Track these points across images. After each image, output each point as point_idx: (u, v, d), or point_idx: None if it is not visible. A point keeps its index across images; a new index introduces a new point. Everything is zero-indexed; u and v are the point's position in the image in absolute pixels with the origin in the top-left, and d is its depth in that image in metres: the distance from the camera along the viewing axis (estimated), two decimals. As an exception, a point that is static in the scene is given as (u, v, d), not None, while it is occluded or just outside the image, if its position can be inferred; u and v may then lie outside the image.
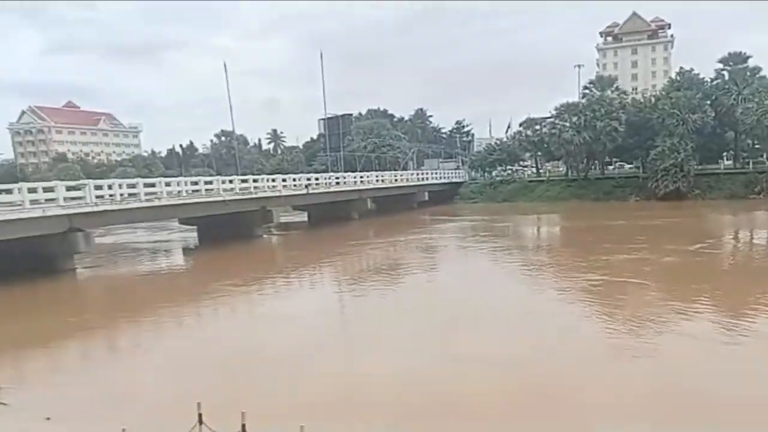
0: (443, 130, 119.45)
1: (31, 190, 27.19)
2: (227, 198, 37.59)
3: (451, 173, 76.62)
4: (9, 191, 26.94)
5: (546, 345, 14.10)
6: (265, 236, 41.66)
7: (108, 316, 20.01)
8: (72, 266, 27.81)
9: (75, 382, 13.09)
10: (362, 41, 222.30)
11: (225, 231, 37.80)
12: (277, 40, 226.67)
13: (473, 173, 78.21)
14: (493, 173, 75.43)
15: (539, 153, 73.71)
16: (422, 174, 70.07)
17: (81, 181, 33.69)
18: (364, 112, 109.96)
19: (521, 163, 79.46)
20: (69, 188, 29.46)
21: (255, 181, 42.97)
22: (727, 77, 61.60)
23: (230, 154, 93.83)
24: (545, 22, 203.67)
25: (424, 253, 32.65)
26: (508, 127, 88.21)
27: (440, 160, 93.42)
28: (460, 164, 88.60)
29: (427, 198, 65.01)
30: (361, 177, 56.89)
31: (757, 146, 64.16)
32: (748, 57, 62.00)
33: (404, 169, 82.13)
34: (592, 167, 69.74)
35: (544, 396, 10.87)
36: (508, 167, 77.11)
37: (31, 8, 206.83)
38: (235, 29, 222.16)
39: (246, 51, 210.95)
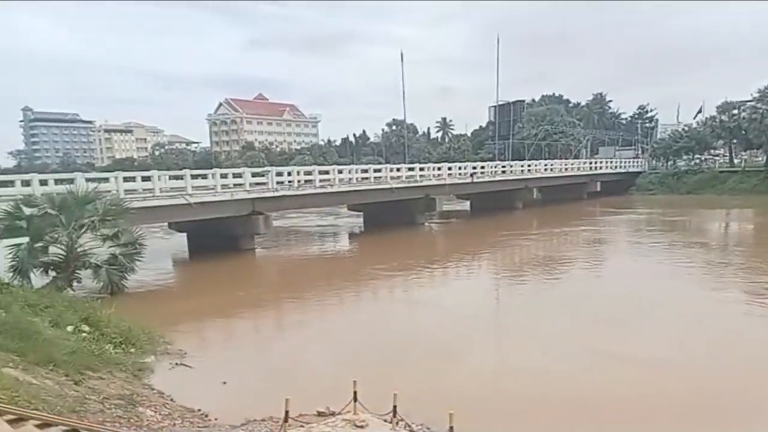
0: (623, 116, 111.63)
1: (223, 176, 30.31)
2: (394, 186, 38.82)
3: (628, 162, 71.46)
4: (204, 176, 30.34)
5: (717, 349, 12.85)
6: (426, 224, 42.38)
7: (279, 294, 21.79)
8: (252, 246, 30.64)
9: (247, 353, 14.49)
10: (539, 25, 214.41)
11: (389, 217, 39.18)
12: (452, 27, 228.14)
13: (654, 162, 72.28)
14: (678, 162, 68.98)
15: (734, 141, 65.97)
16: (595, 163, 66.25)
17: (264, 168, 36.89)
18: (537, 99, 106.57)
19: (712, 151, 71.70)
20: (254, 174, 32.45)
21: (421, 169, 43.83)
22: None
23: (400, 142, 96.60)
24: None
25: (588, 247, 30.97)
26: (699, 111, 79.79)
27: (617, 148, 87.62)
28: (640, 152, 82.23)
29: (599, 188, 61.34)
30: (528, 165, 55.49)
31: None
32: None
33: (576, 157, 78.50)
34: (800, 157, 60.87)
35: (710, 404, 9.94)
36: (696, 156, 69.96)
37: (226, 6, 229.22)
38: (412, 18, 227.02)
39: (421, 39, 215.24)
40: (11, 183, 22.92)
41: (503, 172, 51.71)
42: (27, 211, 18.84)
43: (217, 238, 29.33)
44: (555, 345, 13.65)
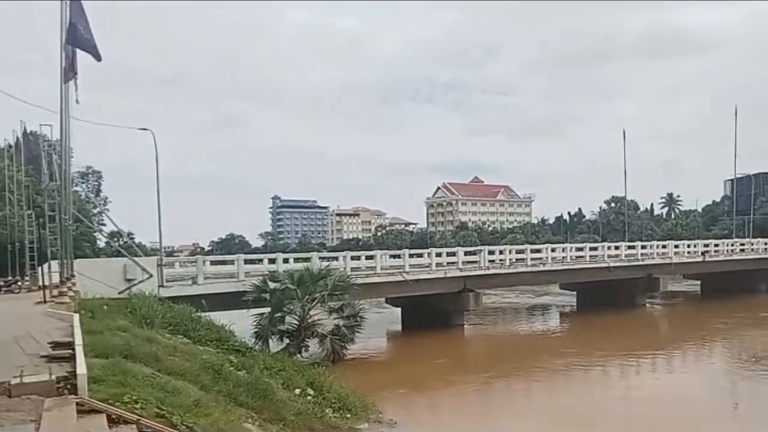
0: None
1: (438, 255, 31.88)
2: (611, 264, 36.96)
3: None
4: (420, 255, 32.19)
5: None
6: (648, 305, 39.12)
7: (484, 370, 21.99)
8: (461, 322, 31.27)
9: (453, 426, 14.89)
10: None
11: (605, 297, 37.01)
12: (679, 101, 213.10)
13: None
14: None
15: None
16: None
17: (477, 247, 37.89)
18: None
19: None
20: (467, 253, 33.55)
21: (643, 247, 41.18)
22: None
23: (618, 219, 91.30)
24: None
25: None
26: None
27: None
28: None
29: None
30: (774, 243, 48.55)
31: None
32: None
33: None
34: None
35: None
36: None
37: (455, 100, 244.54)
38: (634, 96, 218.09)
39: (644, 116, 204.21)
40: (260, 261, 26.86)
41: (742, 250, 46.05)
42: (271, 285, 21.91)
43: (429, 314, 30.58)
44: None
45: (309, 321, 22.06)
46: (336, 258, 29.03)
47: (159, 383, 9.07)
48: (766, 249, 46.88)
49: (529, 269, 34.34)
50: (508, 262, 34.03)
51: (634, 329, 31.98)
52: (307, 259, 26.02)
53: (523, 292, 48.26)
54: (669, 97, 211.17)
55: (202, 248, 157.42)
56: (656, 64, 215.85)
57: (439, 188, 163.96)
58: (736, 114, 58.96)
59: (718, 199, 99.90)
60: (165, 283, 22.16)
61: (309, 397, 13.76)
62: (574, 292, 41.31)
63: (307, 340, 22.09)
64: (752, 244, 47.41)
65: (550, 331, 32.98)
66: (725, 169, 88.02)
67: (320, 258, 27.02)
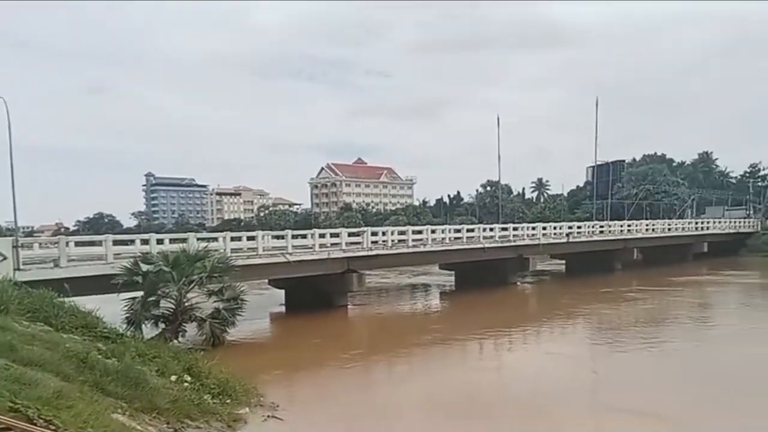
0: (732, 175, 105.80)
1: (321, 236, 31.71)
2: (486, 245, 38.79)
3: (739, 222, 66.98)
4: (304, 236, 31.88)
5: None
6: (519, 283, 41.76)
7: (367, 350, 22.35)
8: (345, 303, 31.54)
9: (336, 408, 15.00)
10: (642, 87, 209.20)
11: (481, 276, 38.99)
12: (550, 90, 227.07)
13: (767, 222, 67.25)
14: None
15: None
16: (702, 223, 62.65)
17: (360, 228, 38.15)
18: (638, 158, 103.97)
19: None
20: (350, 234, 33.66)
21: (515, 229, 43.53)
22: None
23: (493, 203, 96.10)
24: None
25: (695, 312, 29.26)
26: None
27: (726, 207, 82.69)
28: (751, 212, 77.04)
29: (706, 249, 57.66)
30: (628, 225, 53.49)
31: None
32: None
33: (680, 217, 74.71)
34: None
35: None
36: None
37: (338, 80, 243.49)
38: (509, 83, 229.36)
39: (518, 102, 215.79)
40: (132, 242, 25.26)
41: (601, 231, 50.14)
42: (144, 267, 20.70)
43: (313, 295, 30.50)
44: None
45: (186, 305, 21.14)
46: (215, 239, 27.96)
47: (13, 375, 8.33)
48: (621, 231, 51.51)
49: (411, 250, 35.16)
50: (390, 243, 34.61)
51: (506, 306, 33.97)
52: (183, 240, 24.82)
53: (404, 273, 49.52)
54: (539, 86, 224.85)
55: (67, 228, 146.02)
56: (526, 54, 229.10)
57: (323, 168, 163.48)
58: (597, 105, 63.88)
59: (581, 185, 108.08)
60: (22, 267, 20.19)
61: (186, 384, 13.26)
62: (453, 272, 43.05)
63: (184, 324, 21.20)
64: (609, 227, 51.83)
65: (431, 310, 34.18)
66: (590, 156, 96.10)
67: (198, 239, 25.86)
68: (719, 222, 64.95)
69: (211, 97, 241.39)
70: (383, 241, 34.40)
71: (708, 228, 60.93)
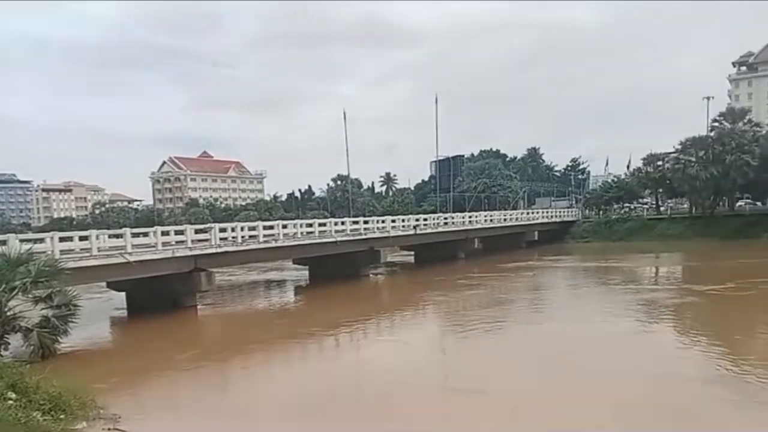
0: (556, 169, 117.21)
1: (164, 233, 29.89)
2: (338, 239, 39.14)
3: (563, 212, 74.33)
4: (146, 234, 29.83)
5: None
6: (371, 275, 42.79)
7: (218, 353, 21.45)
8: (194, 303, 30.11)
9: (184, 416, 14.29)
10: (478, 85, 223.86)
11: (334, 270, 39.28)
12: (395, 87, 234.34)
13: (587, 212, 75.43)
14: (609, 211, 72.29)
15: (660, 190, 69.89)
16: (532, 213, 68.70)
17: (207, 225, 36.58)
18: (476, 153, 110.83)
19: (640, 200, 75.67)
20: (197, 231, 32.11)
21: (365, 222, 44.40)
22: None
23: (344, 197, 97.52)
24: (666, 56, 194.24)
25: (527, 294, 32.07)
26: (629, 164, 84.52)
27: (552, 198, 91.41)
28: (574, 202, 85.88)
29: (536, 237, 63.51)
30: (470, 217, 57.00)
31: None
32: None
33: (514, 208, 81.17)
34: (720, 204, 64.81)
35: None
36: (625, 205, 73.63)
37: (180, 71, 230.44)
38: (355, 79, 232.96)
39: (365, 98, 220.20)
40: (-64, 246, 21.96)
41: (445, 223, 52.87)
42: (-46, 274, 18.13)
43: (158, 296, 28.62)
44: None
45: (9, 314, 18.86)
46: (42, 239, 25.19)
47: None
48: (463, 222, 54.75)
49: (262, 246, 34.43)
50: (240, 240, 33.60)
51: (360, 298, 34.70)
52: (2, 242, 22.07)
53: (257, 270, 48.47)
54: (385, 83, 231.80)
55: None
56: (372, 52, 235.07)
57: (165, 162, 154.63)
58: (436, 102, 67.47)
59: (426, 179, 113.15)
60: None
61: (10, 402, 11.86)
62: (307, 267, 42.92)
63: (7, 336, 18.89)
64: (453, 219, 54.88)
65: (286, 306, 33.77)
66: (434, 151, 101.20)
67: (21, 240, 23.13)
68: (547, 212, 71.59)
69: (40, 86, 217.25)
70: (233, 237, 33.29)
71: (537, 218, 66.94)
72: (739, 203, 67.52)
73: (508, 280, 38.02)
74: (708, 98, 77.04)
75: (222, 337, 25.75)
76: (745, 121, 63.41)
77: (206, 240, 31.35)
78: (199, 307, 30.25)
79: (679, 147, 63.69)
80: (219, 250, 31.20)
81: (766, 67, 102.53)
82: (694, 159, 61.09)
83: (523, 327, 23.32)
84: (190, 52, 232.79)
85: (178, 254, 28.79)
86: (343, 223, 42.53)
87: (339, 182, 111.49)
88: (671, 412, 12.36)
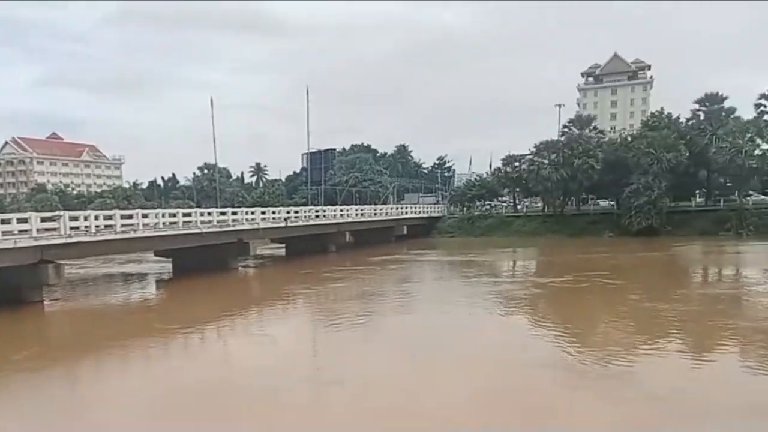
0: (424, 166, 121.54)
1: (5, 222, 26.94)
2: (204, 230, 37.60)
3: (431, 208, 77.28)
4: (-18, 222, 26.63)
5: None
6: (240, 268, 41.67)
7: (64, 355, 19.77)
8: (40, 298, 27.48)
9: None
10: (351, 80, 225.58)
11: (200, 262, 37.72)
12: (265, 76, 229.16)
13: (452, 208, 78.96)
14: (472, 208, 76.25)
15: (517, 189, 74.85)
16: (402, 208, 70.69)
17: (55, 213, 33.42)
18: (347, 147, 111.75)
19: (500, 198, 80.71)
20: (43, 219, 29.24)
21: (234, 213, 43.04)
22: (702, 117, 63.47)
23: (212, 186, 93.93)
24: (529, 63, 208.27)
25: (394, 286, 32.81)
26: (490, 164, 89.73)
27: (420, 194, 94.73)
28: (440, 199, 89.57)
29: (405, 232, 65.51)
30: (341, 210, 57.34)
31: (728, 185, 65.62)
32: (725, 98, 63.78)
33: (384, 203, 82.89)
34: (569, 203, 70.84)
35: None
36: (487, 203, 78.17)
37: (24, 45, 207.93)
38: (224, 66, 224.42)
39: (234, 85, 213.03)
40: None
41: (317, 216, 52.80)
42: None
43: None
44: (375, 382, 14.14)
45: None
46: None
47: None
48: (335, 215, 54.96)
49: (120, 236, 32.17)
50: (94, 229, 31.12)
51: (228, 291, 33.65)
52: None
53: (113, 262, 45.29)
54: (256, 71, 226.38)
55: None
56: (245, 38, 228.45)
57: (7, 143, 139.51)
58: (307, 93, 67.11)
59: (298, 171, 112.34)
60: None
61: None
62: (170, 259, 40.78)
63: None
64: (324, 212, 54.91)
65: (146, 300, 31.73)
66: (305, 143, 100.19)
67: None
68: (415, 207, 73.99)
69: None
70: (86, 226, 30.76)
71: (407, 213, 68.97)
72: (591, 201, 73.80)
73: (377, 272, 38.71)
74: (559, 105, 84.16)
75: (70, 334, 23.67)
76: (591, 128, 69.61)
77: (55, 229, 28.68)
78: (46, 302, 27.64)
79: (534, 150, 68.63)
80: (69, 240, 28.72)
81: (610, 78, 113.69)
82: (546, 161, 66.10)
83: (388, 318, 23.87)
84: (36, 24, 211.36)
85: (21, 245, 26.11)
86: (210, 213, 40.98)
87: (206, 171, 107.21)
88: (517, 394, 13.30)
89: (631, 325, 20.71)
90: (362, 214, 59.79)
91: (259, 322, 24.41)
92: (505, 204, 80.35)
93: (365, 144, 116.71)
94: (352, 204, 69.10)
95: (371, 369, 15.84)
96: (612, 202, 67.55)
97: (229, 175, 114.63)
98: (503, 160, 74.31)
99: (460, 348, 17.78)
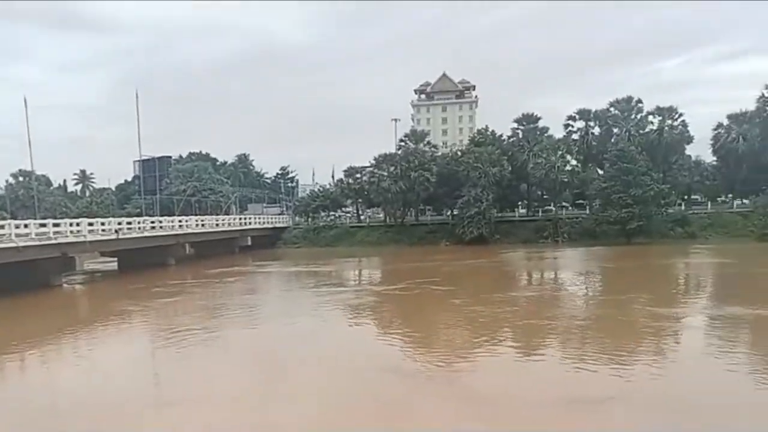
0: (267, 176, 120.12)
1: None
2: (21, 244, 33.95)
3: (275, 218, 76.74)
4: None
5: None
6: (66, 285, 38.12)
7: None
8: None
9: None
10: (187, 85, 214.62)
11: (15, 279, 33.87)
12: (93, 77, 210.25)
13: (297, 219, 79.07)
14: (317, 219, 76.96)
15: (360, 200, 76.96)
16: (245, 219, 69.28)
17: None
18: (184, 155, 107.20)
19: (344, 209, 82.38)
20: None
21: (56, 225, 39.27)
22: (521, 135, 70.28)
23: (29, 195, 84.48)
24: (365, 75, 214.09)
25: (237, 299, 31.86)
26: (333, 175, 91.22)
27: (264, 205, 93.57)
28: (285, 210, 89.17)
29: (249, 243, 64.35)
30: (180, 221, 54.79)
31: (545, 197, 73.39)
32: (539, 118, 71.28)
33: (227, 213, 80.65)
34: (408, 214, 74.31)
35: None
36: (331, 213, 79.42)
37: None
38: (41, 64, 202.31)
39: (56, 85, 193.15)
40: None
41: (153, 227, 49.99)
42: None
43: None
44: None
45: None
46: None
47: None
48: (173, 226, 52.38)
49: None
50: None
51: (51, 311, 30.54)
52: None
53: None
54: (82, 71, 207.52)
55: None
56: (67, 36, 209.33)
57: None
58: (137, 97, 63.06)
59: (130, 179, 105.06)
60: None
61: None
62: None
63: None
64: (161, 222, 52.13)
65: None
66: (136, 149, 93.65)
67: None
68: (260, 218, 72.96)
69: None
70: None
71: (250, 224, 67.79)
72: (427, 212, 77.77)
73: (218, 285, 37.52)
74: (395, 120, 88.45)
75: None
76: (425, 142, 73.83)
77: None
78: None
79: (374, 162, 71.22)
80: None
81: (441, 96, 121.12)
82: (386, 174, 68.96)
83: (230, 333, 23.13)
84: None
85: None
86: (26, 225, 37.08)
87: (21, 178, 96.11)
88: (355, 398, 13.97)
89: (455, 328, 22.37)
90: (203, 225, 57.76)
91: (89, 343, 22.56)
92: (349, 215, 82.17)
93: (204, 152, 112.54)
94: (191, 214, 66.24)
95: (214, 386, 15.44)
96: (447, 213, 71.97)
97: (49, 183, 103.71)
98: (345, 171, 76.00)
99: (307, 359, 18.00)
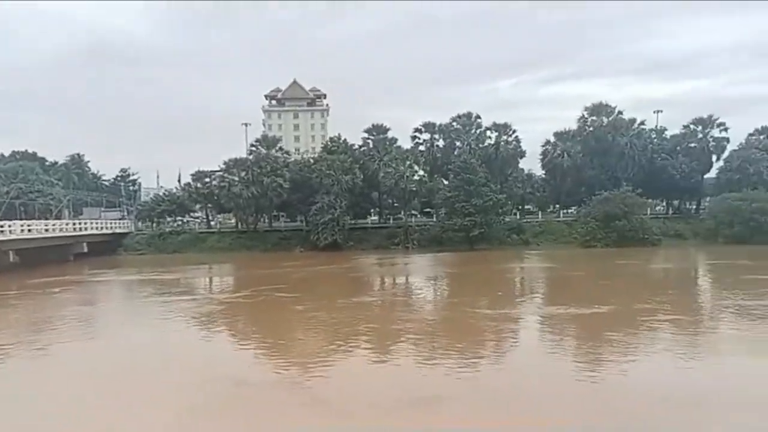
0: (105, 178, 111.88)
1: None
2: None
3: (115, 223, 71.68)
4: None
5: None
6: None
7: None
8: None
9: None
10: (11, 80, 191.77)
11: None
12: None
13: (140, 224, 74.53)
14: (163, 224, 73.10)
15: (210, 205, 74.47)
16: (80, 224, 63.72)
17: None
18: (7, 154, 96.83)
19: (192, 214, 79.09)
20: None
21: None
22: (371, 145, 72.39)
23: None
24: (212, 78, 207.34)
25: (77, 311, 29.30)
26: (179, 179, 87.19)
27: (102, 209, 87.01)
28: (126, 214, 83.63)
29: (86, 249, 59.25)
30: (2, 226, 49.05)
31: (396, 205, 76.28)
32: (388, 129, 73.71)
33: (58, 217, 73.84)
34: (261, 220, 73.30)
35: None
36: (179, 218, 75.91)
37: None
38: None
39: None
40: None
41: None
42: None
43: None
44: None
45: None
46: None
47: None
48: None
49: None
50: None
51: None
52: None
53: None
54: None
55: None
56: None
57: None
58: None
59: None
60: None
61: None
62: None
63: None
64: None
65: None
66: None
67: None
68: (97, 223, 67.63)
69: None
70: None
71: (86, 229, 62.55)
72: (281, 218, 76.93)
73: (55, 296, 34.36)
74: (246, 124, 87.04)
75: None
76: (277, 148, 73.32)
77: None
78: None
79: (224, 166, 69.39)
80: None
81: (292, 103, 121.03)
82: (237, 178, 67.52)
83: (57, 347, 21.42)
84: None
85: None
86: None
87: None
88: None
89: (294, 334, 22.90)
90: (30, 230, 52.30)
91: None
92: (198, 220, 79.02)
93: (30, 151, 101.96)
94: (15, 219, 59.60)
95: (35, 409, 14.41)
96: (301, 220, 72.00)
97: None
98: (193, 175, 73.17)
99: (150, 372, 17.45)
